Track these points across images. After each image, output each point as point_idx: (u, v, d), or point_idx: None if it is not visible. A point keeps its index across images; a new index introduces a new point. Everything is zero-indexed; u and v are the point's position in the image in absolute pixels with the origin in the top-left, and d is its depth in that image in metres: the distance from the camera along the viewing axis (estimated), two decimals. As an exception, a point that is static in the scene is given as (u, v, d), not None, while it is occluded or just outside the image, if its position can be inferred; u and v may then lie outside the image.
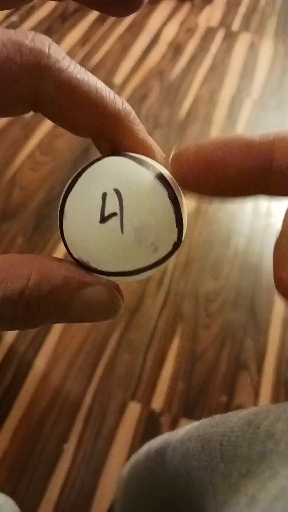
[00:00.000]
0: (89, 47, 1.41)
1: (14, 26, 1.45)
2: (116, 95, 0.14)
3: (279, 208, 1.04)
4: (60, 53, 0.13)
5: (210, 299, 0.89)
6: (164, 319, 0.86)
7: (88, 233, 0.14)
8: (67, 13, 1.52)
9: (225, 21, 1.58)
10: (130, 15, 0.14)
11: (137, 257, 0.14)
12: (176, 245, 0.15)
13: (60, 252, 0.93)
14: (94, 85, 0.14)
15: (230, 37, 1.51)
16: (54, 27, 1.46)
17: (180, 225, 0.14)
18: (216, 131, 1.20)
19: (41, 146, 1.12)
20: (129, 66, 1.36)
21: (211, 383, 0.79)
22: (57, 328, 0.83)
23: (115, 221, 0.13)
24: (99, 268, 0.14)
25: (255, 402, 0.77)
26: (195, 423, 0.34)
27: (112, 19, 1.49)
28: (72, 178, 0.15)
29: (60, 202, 0.15)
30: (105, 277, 0.14)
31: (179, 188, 0.15)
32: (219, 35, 1.51)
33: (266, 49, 1.48)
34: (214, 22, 1.57)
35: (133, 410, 0.75)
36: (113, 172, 0.14)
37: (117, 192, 0.13)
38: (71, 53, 1.37)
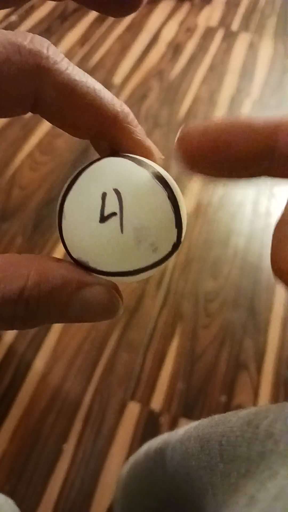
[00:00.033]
0: (89, 47, 1.41)
1: (13, 25, 1.45)
2: (114, 97, 0.14)
3: (278, 208, 1.04)
4: (58, 55, 0.13)
5: (210, 299, 0.89)
6: (163, 319, 0.86)
7: (88, 233, 0.14)
8: (66, 13, 1.52)
9: (224, 21, 1.58)
10: (130, 15, 0.14)
11: (137, 257, 0.14)
12: (176, 245, 0.14)
13: (59, 252, 0.93)
14: (93, 87, 0.14)
15: (230, 37, 1.51)
16: (53, 27, 1.46)
17: (179, 226, 0.14)
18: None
19: (40, 146, 1.12)
20: (128, 66, 1.36)
21: (210, 383, 0.79)
22: (56, 328, 0.83)
23: (114, 221, 0.13)
24: (99, 268, 0.14)
25: (255, 402, 0.77)
26: (195, 423, 0.34)
27: (111, 19, 1.49)
28: (71, 178, 0.15)
29: (59, 202, 0.15)
30: (104, 277, 0.14)
31: (178, 188, 0.15)
32: (219, 35, 1.51)
33: (266, 49, 1.48)
34: (214, 22, 1.57)
35: (133, 410, 0.75)
36: (112, 173, 0.14)
37: (116, 192, 0.13)
38: (70, 53, 1.37)
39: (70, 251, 0.14)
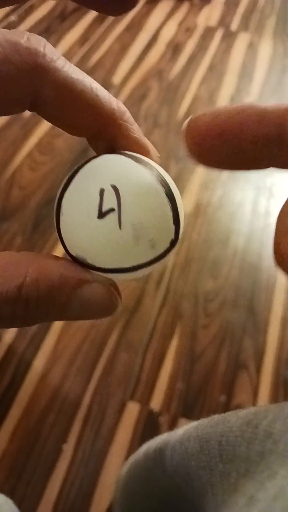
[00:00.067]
0: (88, 47, 1.41)
1: (13, 25, 1.44)
2: (111, 95, 0.14)
3: (278, 208, 1.04)
4: (55, 53, 0.13)
5: (209, 299, 0.89)
6: (163, 319, 0.86)
7: (86, 229, 0.14)
8: (66, 12, 1.52)
9: (224, 20, 1.58)
10: (129, 15, 0.14)
11: (135, 253, 0.14)
12: (173, 242, 0.15)
13: (59, 252, 0.93)
14: (89, 85, 0.14)
15: (229, 37, 1.51)
16: (53, 27, 1.46)
17: (177, 222, 0.14)
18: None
19: (40, 145, 1.12)
20: (128, 65, 1.36)
21: (210, 383, 0.79)
22: (56, 327, 0.83)
23: (112, 217, 0.13)
24: (97, 265, 0.14)
25: (254, 401, 0.77)
26: (194, 423, 0.34)
27: (110, 18, 1.49)
28: (69, 175, 0.15)
29: (57, 199, 0.15)
30: (102, 274, 0.14)
31: (175, 185, 0.15)
32: (218, 35, 1.51)
33: (265, 48, 1.48)
34: (213, 21, 1.57)
35: (132, 410, 0.75)
36: (110, 169, 0.14)
37: (114, 188, 0.13)
38: (70, 53, 1.37)
39: (68, 248, 0.14)
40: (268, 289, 0.91)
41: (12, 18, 1.47)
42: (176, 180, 1.06)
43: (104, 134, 0.15)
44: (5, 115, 0.13)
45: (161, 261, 0.15)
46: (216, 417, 0.30)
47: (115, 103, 0.14)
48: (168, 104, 1.26)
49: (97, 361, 0.80)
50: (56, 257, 0.13)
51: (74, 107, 0.14)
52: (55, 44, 1.39)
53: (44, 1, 1.55)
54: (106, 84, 1.28)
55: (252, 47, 1.48)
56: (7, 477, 0.69)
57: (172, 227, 0.14)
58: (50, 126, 1.15)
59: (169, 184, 0.14)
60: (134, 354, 0.81)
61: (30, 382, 0.77)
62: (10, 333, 0.82)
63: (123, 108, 0.15)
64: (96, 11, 0.14)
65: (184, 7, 1.62)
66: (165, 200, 0.14)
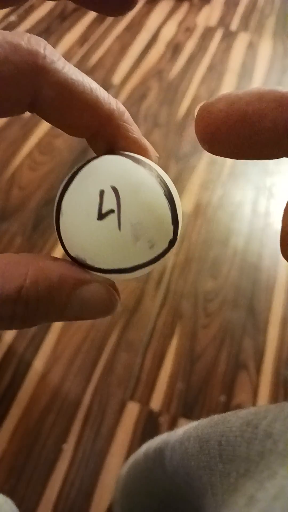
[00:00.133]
0: (88, 47, 1.41)
1: (13, 25, 1.44)
2: (110, 96, 0.14)
3: (277, 208, 1.04)
4: (55, 54, 0.13)
5: (209, 299, 0.89)
6: (163, 319, 0.86)
7: (85, 230, 0.14)
8: (65, 12, 1.52)
9: (223, 20, 1.58)
10: (129, 15, 0.14)
11: (134, 254, 0.14)
12: (172, 242, 0.15)
13: (58, 252, 0.93)
14: (89, 86, 0.14)
15: (229, 37, 1.51)
16: (52, 27, 1.46)
17: (175, 223, 0.14)
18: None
19: (40, 145, 1.12)
20: (128, 65, 1.36)
21: (210, 383, 0.79)
22: (56, 327, 0.83)
23: (112, 218, 0.13)
24: (96, 265, 0.14)
25: (254, 401, 0.77)
26: (194, 423, 0.34)
27: (110, 18, 1.49)
28: (69, 176, 0.15)
29: (57, 200, 0.15)
30: (102, 274, 0.14)
31: (174, 186, 0.15)
32: (218, 35, 1.51)
33: (265, 48, 1.48)
34: (213, 21, 1.57)
35: (132, 410, 0.76)
36: (110, 170, 0.14)
37: (114, 189, 0.13)
38: (69, 53, 1.37)
39: (67, 249, 0.14)
40: (268, 289, 0.91)
41: (12, 18, 1.47)
42: (176, 180, 1.06)
43: (103, 135, 0.15)
44: (5, 117, 0.13)
45: (159, 261, 0.15)
46: (216, 417, 0.31)
47: (114, 103, 0.14)
48: (168, 104, 1.26)
49: (97, 361, 0.80)
50: (55, 258, 0.14)
51: (73, 108, 0.14)
52: (55, 44, 1.40)
53: (44, 1, 1.55)
54: (106, 84, 1.28)
55: (252, 47, 1.48)
56: (7, 477, 0.69)
57: (171, 228, 0.14)
58: (50, 126, 1.15)
59: (168, 184, 0.14)
60: (134, 354, 0.81)
61: (30, 382, 0.77)
62: (10, 333, 0.82)
63: (123, 108, 0.15)
64: (96, 11, 0.14)
65: (184, 7, 1.62)
66: (164, 201, 0.14)
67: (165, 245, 0.14)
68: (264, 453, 0.24)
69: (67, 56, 1.35)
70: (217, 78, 1.35)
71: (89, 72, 1.31)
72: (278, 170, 1.12)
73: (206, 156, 1.13)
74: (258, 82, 1.36)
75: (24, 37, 0.13)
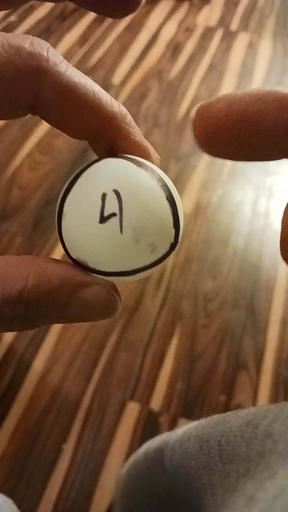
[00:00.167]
0: (88, 47, 1.41)
1: (13, 25, 1.44)
2: (113, 98, 0.14)
3: (277, 208, 1.04)
4: (58, 57, 0.13)
5: (209, 299, 0.89)
6: (163, 319, 0.86)
7: (87, 233, 0.14)
8: (66, 12, 1.52)
9: (223, 20, 1.58)
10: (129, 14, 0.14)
11: (136, 257, 0.14)
12: (173, 245, 0.15)
13: (58, 252, 0.93)
14: (91, 88, 0.14)
15: (229, 37, 1.51)
16: (52, 27, 1.46)
17: (177, 226, 0.15)
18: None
19: (40, 145, 1.12)
20: (128, 65, 1.36)
21: (210, 383, 0.79)
22: (56, 328, 0.83)
23: (114, 221, 0.13)
24: (97, 268, 0.14)
25: (254, 401, 0.77)
26: (194, 423, 0.34)
27: (110, 19, 1.49)
28: (71, 179, 0.15)
29: (58, 203, 0.15)
30: (103, 277, 0.14)
31: (175, 189, 0.15)
32: (218, 35, 1.51)
33: (265, 48, 1.48)
34: (213, 21, 1.57)
35: (132, 410, 0.76)
36: (112, 174, 0.14)
37: (116, 193, 0.14)
38: (69, 53, 1.37)
39: (69, 251, 0.15)
40: (268, 289, 0.91)
41: (12, 18, 1.47)
42: (176, 180, 1.06)
43: (105, 137, 0.15)
44: (7, 119, 0.14)
45: (160, 264, 0.15)
46: (216, 417, 0.31)
47: (116, 106, 0.14)
48: (168, 104, 1.26)
49: (97, 361, 0.80)
50: (57, 260, 0.14)
51: (76, 110, 0.14)
52: (55, 44, 1.40)
53: (44, 1, 1.55)
54: (106, 84, 1.29)
55: (252, 47, 1.48)
56: (7, 477, 0.69)
57: (172, 231, 0.14)
58: (50, 126, 1.15)
59: (170, 188, 0.15)
60: (134, 354, 0.81)
61: (30, 382, 0.77)
62: (10, 333, 0.83)
63: (125, 111, 0.15)
64: (97, 13, 0.14)
65: (184, 7, 1.62)
66: (166, 204, 0.14)
67: (166, 248, 0.14)
68: (264, 453, 0.24)
69: (67, 56, 1.35)
70: (217, 78, 1.35)
71: (89, 72, 1.32)
72: (278, 170, 1.12)
73: (206, 156, 1.13)
74: (258, 82, 1.36)
75: (27, 40, 0.13)
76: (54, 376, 0.78)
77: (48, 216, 0.99)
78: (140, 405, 0.76)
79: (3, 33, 0.12)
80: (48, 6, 1.52)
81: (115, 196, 0.14)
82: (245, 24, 1.57)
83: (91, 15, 1.51)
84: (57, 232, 0.15)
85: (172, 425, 0.75)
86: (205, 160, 1.12)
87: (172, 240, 0.15)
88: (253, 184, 1.09)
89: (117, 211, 0.13)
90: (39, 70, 0.13)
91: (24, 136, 1.13)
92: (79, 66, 1.32)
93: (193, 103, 1.27)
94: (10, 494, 0.68)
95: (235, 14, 1.62)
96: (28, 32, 1.42)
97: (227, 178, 1.09)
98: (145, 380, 0.78)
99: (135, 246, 0.14)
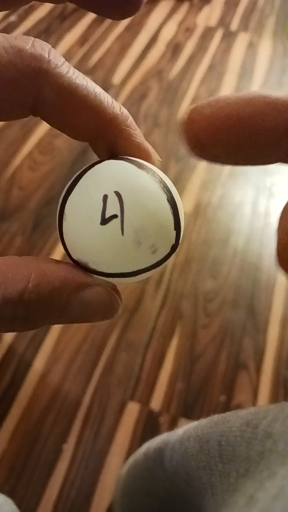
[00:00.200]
0: (88, 47, 1.41)
1: (13, 26, 1.44)
2: (114, 100, 0.14)
3: (277, 208, 1.04)
4: (59, 59, 0.13)
5: (209, 299, 0.89)
6: (163, 319, 0.86)
7: (89, 234, 0.14)
8: (66, 13, 1.52)
9: (223, 20, 1.58)
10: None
11: (137, 258, 0.14)
12: (174, 247, 0.15)
13: (59, 252, 0.93)
14: (93, 90, 0.14)
15: (229, 37, 1.51)
16: (52, 27, 1.46)
17: (178, 228, 0.15)
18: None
19: (40, 146, 1.12)
20: (128, 65, 1.36)
21: (210, 383, 0.79)
22: (56, 328, 0.84)
23: (115, 223, 0.13)
24: (98, 269, 0.14)
25: (254, 401, 0.77)
26: (194, 423, 0.34)
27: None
28: (72, 180, 0.15)
29: (60, 204, 0.15)
30: (103, 278, 0.14)
31: (176, 191, 0.15)
32: (218, 35, 1.51)
33: (265, 48, 1.48)
34: (213, 21, 1.57)
35: (132, 410, 0.76)
36: (113, 175, 0.14)
37: (118, 194, 0.14)
38: (69, 53, 1.37)
39: (70, 252, 0.15)
40: (268, 289, 0.91)
41: (12, 18, 1.47)
42: (176, 180, 1.06)
43: (106, 139, 0.15)
44: (8, 120, 0.14)
45: (161, 265, 0.15)
46: (216, 417, 0.31)
47: (117, 108, 0.14)
48: (168, 104, 1.26)
49: (97, 361, 0.80)
50: (57, 261, 0.14)
51: (77, 112, 0.14)
52: (55, 44, 1.40)
53: (44, 2, 1.55)
54: (106, 84, 1.29)
55: (252, 47, 1.48)
56: (7, 477, 0.69)
57: (173, 233, 0.14)
58: (50, 126, 1.15)
59: (171, 190, 0.15)
60: (134, 354, 0.81)
61: (30, 382, 0.77)
62: (10, 333, 0.83)
63: (126, 113, 0.15)
64: (97, 14, 0.14)
65: (184, 7, 1.62)
66: (167, 206, 0.14)
67: (167, 250, 0.15)
68: (264, 453, 0.24)
69: (67, 56, 1.35)
70: (217, 78, 1.35)
71: (89, 72, 1.32)
72: (278, 170, 1.12)
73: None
74: (258, 82, 1.36)
75: (28, 41, 0.13)
76: (54, 376, 0.78)
77: (48, 216, 0.99)
78: (140, 405, 0.76)
79: (5, 34, 0.12)
80: (48, 6, 1.52)
81: (116, 198, 0.14)
82: (245, 24, 1.57)
83: (91, 15, 1.51)
84: (58, 233, 0.15)
85: (172, 425, 0.75)
86: (205, 160, 1.12)
87: (173, 241, 0.15)
88: (253, 184, 1.09)
89: (118, 212, 0.13)
90: (40, 71, 0.13)
91: (24, 136, 1.13)
92: (79, 66, 1.32)
93: (193, 103, 1.26)
94: (10, 494, 0.68)
95: (235, 14, 1.62)
96: (28, 32, 1.42)
97: (227, 178, 1.09)
98: (145, 380, 0.79)
99: (136, 247, 0.14)
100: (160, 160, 0.16)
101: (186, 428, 0.36)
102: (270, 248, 0.97)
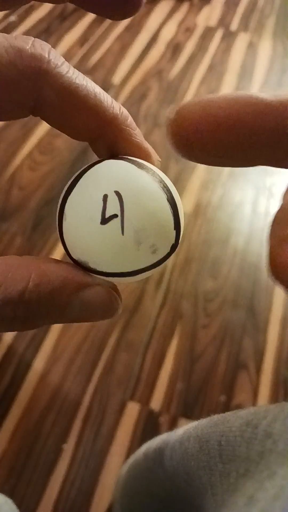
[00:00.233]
0: (88, 47, 1.41)
1: (13, 26, 1.44)
2: (114, 100, 0.14)
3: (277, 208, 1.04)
4: (59, 59, 0.13)
5: (209, 299, 0.89)
6: (163, 319, 0.86)
7: (89, 234, 0.14)
8: (66, 13, 1.52)
9: (223, 20, 1.58)
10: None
11: (137, 258, 0.14)
12: (174, 246, 0.15)
13: (59, 252, 0.93)
14: (93, 90, 0.14)
15: (229, 37, 1.51)
16: (52, 27, 1.46)
17: (177, 228, 0.15)
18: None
19: (40, 146, 1.12)
20: (128, 65, 1.36)
21: (210, 383, 0.79)
22: (56, 328, 0.83)
23: (115, 222, 0.14)
24: (98, 269, 0.14)
25: (254, 401, 0.77)
26: (194, 423, 0.34)
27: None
28: (72, 180, 0.15)
29: (60, 204, 0.15)
30: (103, 277, 0.14)
31: (176, 191, 0.15)
32: (218, 35, 1.51)
33: (265, 48, 1.48)
34: (213, 21, 1.57)
35: (132, 410, 0.76)
36: (113, 175, 0.14)
37: (118, 194, 0.14)
38: (69, 53, 1.37)
39: (70, 252, 0.15)
40: (268, 289, 0.91)
41: (12, 18, 1.47)
42: (176, 180, 1.06)
43: (106, 139, 0.15)
44: (8, 120, 0.14)
45: (161, 265, 0.15)
46: (216, 417, 0.31)
47: (117, 108, 0.14)
48: (168, 104, 1.26)
49: (97, 361, 0.80)
50: (58, 261, 0.14)
51: (77, 112, 0.14)
52: (55, 44, 1.40)
53: (44, 2, 1.55)
54: (106, 84, 1.29)
55: (252, 47, 1.48)
56: (7, 477, 0.69)
57: (173, 233, 0.15)
58: (50, 126, 1.15)
59: (171, 190, 0.15)
60: (134, 354, 0.81)
61: (30, 382, 0.77)
62: (10, 333, 0.83)
63: (126, 113, 0.15)
64: (97, 14, 0.14)
65: (184, 7, 1.62)
66: (167, 206, 0.14)
67: (167, 250, 0.15)
68: (264, 453, 0.24)
69: (67, 56, 1.35)
70: (217, 78, 1.35)
71: (89, 72, 1.32)
72: (278, 170, 1.12)
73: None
74: (258, 82, 1.36)
75: (28, 41, 0.13)
76: (54, 376, 0.78)
77: (48, 216, 0.99)
78: (140, 405, 0.76)
79: (5, 34, 0.12)
80: (48, 6, 1.52)
81: (116, 198, 0.14)
82: (245, 24, 1.57)
83: (91, 15, 1.51)
84: (58, 233, 0.15)
85: (172, 425, 0.75)
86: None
87: (173, 241, 0.15)
88: (253, 184, 1.09)
89: (118, 212, 0.13)
90: (41, 71, 0.13)
91: (24, 136, 1.13)
92: (79, 66, 1.32)
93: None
94: (10, 494, 0.68)
95: (235, 14, 1.62)
96: (28, 32, 1.42)
97: (227, 178, 1.09)
98: (145, 380, 0.79)
99: (136, 247, 0.14)
100: (160, 160, 0.16)
101: (186, 428, 0.36)
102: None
